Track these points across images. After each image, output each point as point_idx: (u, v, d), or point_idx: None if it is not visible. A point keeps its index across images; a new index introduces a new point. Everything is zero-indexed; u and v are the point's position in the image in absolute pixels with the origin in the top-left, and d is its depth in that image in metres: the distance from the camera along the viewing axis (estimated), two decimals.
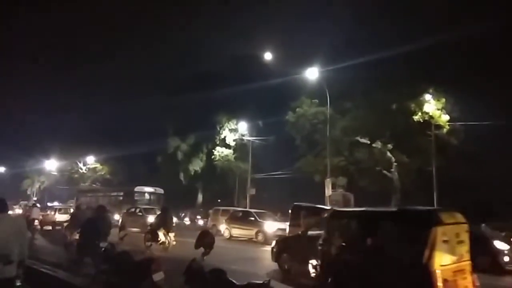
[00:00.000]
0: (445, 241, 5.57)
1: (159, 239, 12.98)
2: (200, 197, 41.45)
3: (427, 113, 23.06)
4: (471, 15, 25.36)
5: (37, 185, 56.89)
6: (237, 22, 58.56)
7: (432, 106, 23.09)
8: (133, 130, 46.26)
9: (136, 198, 30.19)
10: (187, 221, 32.20)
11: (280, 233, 17.93)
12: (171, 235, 13.28)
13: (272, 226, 18.73)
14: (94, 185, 47.31)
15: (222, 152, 35.79)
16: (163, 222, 13.40)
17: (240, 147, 35.79)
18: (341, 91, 25.39)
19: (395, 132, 24.37)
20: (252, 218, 19.66)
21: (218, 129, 36.22)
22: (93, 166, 48.12)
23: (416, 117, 23.18)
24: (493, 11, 25.69)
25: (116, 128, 48.72)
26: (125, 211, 25.12)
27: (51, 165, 51.75)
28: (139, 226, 22.89)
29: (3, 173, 61.43)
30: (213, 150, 36.32)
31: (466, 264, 5.88)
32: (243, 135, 35.04)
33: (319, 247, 6.92)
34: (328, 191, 24.29)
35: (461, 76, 23.17)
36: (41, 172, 54.94)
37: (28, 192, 57.05)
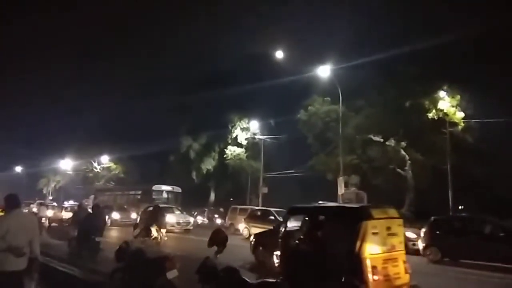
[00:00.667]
0: (374, 233, 6.27)
1: (152, 234, 13.86)
2: (212, 196, 41.64)
3: (441, 110, 22.73)
4: (486, 11, 24.94)
5: (52, 184, 57.90)
6: (248, 21, 58.58)
7: (446, 103, 22.75)
8: (146, 130, 46.81)
9: (154, 196, 30.11)
10: (199, 219, 32.36)
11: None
12: (163, 231, 14.38)
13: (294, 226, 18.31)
14: (108, 184, 47.92)
15: (234, 151, 35.88)
16: (155, 219, 14.40)
17: (252, 146, 35.84)
18: (353, 89, 25.23)
19: (409, 130, 24.04)
20: (272, 217, 19.07)
21: (230, 128, 36.32)
22: (107, 165, 48.74)
23: (430, 115, 22.87)
24: (510, 7, 25.20)
25: (129, 128, 49.42)
26: (143, 209, 25.33)
27: (66, 164, 52.62)
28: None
29: (20, 173, 62.70)
30: (225, 149, 36.44)
31: (399, 254, 6.57)
32: (254, 134, 35.08)
33: (279, 240, 7.57)
34: (341, 190, 24.14)
35: (476, 73, 22.85)
36: (57, 172, 55.89)
37: (44, 191, 58.09)
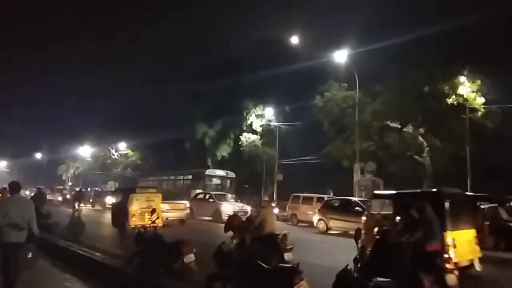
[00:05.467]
0: (137, 200, 15.28)
1: (76, 208, 19.89)
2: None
3: (461, 96, 22.14)
4: None
5: (72, 171, 59.19)
6: (263, 5, 57.81)
7: (466, 88, 22.14)
8: (162, 117, 47.03)
9: (206, 182, 28.44)
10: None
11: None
12: (82, 205, 20.48)
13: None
14: (125, 170, 48.76)
15: (249, 138, 35.80)
16: (78, 198, 20.25)
17: (267, 133, 35.69)
18: (371, 74, 24.73)
19: (428, 115, 23.53)
20: (359, 209, 16.40)
21: (245, 115, 36.15)
22: (125, 152, 49.47)
23: (449, 100, 22.28)
24: None
25: (146, 115, 49.79)
26: (192, 197, 23.59)
27: (85, 151, 53.65)
28: (211, 214, 20.88)
29: (40, 159, 64.29)
30: (240, 136, 36.40)
31: (154, 208, 12.53)
32: (269, 121, 34.89)
33: (111, 207, 16.73)
34: (357, 177, 24.01)
35: (499, 57, 22.04)
36: (76, 158, 57.06)
37: (64, 177, 59.49)
